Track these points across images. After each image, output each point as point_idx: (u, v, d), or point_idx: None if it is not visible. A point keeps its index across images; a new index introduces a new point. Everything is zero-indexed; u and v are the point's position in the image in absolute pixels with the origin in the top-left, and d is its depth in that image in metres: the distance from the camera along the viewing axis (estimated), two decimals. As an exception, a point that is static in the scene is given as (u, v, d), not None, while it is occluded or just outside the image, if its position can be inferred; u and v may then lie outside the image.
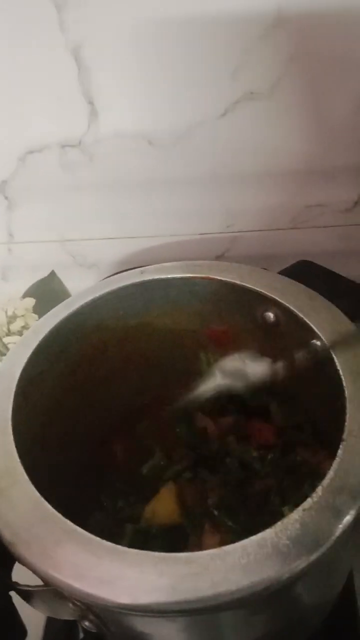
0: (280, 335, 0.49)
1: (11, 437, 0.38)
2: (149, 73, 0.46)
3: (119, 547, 0.32)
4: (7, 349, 0.70)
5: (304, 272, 0.51)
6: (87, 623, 0.37)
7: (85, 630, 0.55)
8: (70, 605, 0.34)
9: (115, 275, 0.50)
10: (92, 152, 0.50)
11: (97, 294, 0.48)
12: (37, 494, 0.35)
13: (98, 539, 0.33)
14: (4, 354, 0.71)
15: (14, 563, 0.40)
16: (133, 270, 0.50)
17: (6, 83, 0.47)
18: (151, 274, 0.49)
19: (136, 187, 0.53)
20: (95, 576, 0.32)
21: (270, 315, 0.49)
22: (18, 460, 0.37)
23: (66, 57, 0.45)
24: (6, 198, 0.54)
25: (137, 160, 0.51)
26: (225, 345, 0.51)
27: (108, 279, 0.50)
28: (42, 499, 0.35)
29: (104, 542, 0.33)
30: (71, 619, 0.38)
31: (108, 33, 0.44)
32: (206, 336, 0.53)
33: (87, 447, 0.52)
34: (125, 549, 0.32)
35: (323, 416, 0.49)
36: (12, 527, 0.34)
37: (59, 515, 0.34)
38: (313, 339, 0.45)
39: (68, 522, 0.34)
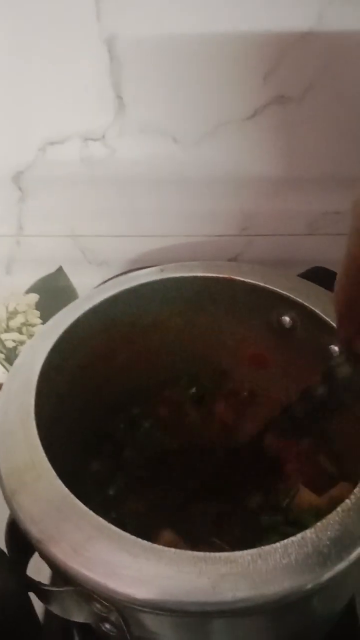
0: (297, 340, 0.49)
1: (35, 431, 0.37)
2: (179, 71, 0.46)
3: (155, 545, 0.31)
4: (5, 346, 0.68)
5: (319, 278, 0.51)
6: (107, 625, 0.36)
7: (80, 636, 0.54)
8: (97, 606, 0.33)
9: (134, 272, 0.49)
10: (115, 146, 0.49)
11: (117, 290, 0.47)
12: (65, 488, 0.34)
13: (132, 536, 0.32)
14: (1, 352, 0.69)
15: (29, 561, 0.39)
16: (152, 268, 0.49)
17: (34, 71, 0.46)
18: (171, 272, 0.49)
19: (154, 185, 0.52)
20: (130, 575, 0.31)
21: (287, 319, 0.49)
22: (43, 453, 0.36)
23: (99, 48, 0.44)
24: (19, 189, 0.53)
25: (158, 158, 0.50)
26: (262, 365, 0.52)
27: (127, 275, 0.49)
28: (70, 494, 0.34)
29: (139, 540, 0.32)
30: (87, 621, 0.37)
31: (143, 27, 0.43)
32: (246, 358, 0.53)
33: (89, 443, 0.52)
34: (162, 547, 0.31)
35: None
36: (39, 523, 0.33)
37: (89, 511, 0.33)
38: (333, 343, 0.46)
39: (99, 518, 0.33)
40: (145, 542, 0.31)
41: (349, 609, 0.47)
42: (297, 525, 0.44)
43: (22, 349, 0.45)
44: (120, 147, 0.49)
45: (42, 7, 0.43)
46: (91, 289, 0.53)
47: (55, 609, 0.37)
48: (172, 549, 0.31)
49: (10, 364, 0.71)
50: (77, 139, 0.49)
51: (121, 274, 0.59)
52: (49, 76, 0.46)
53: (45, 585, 0.35)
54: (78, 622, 0.50)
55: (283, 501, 0.47)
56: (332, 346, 0.47)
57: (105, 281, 0.57)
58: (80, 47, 0.44)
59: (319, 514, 0.43)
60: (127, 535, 0.32)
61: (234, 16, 0.43)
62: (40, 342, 0.43)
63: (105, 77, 0.45)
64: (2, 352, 0.69)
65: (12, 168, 0.51)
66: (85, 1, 0.42)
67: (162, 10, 0.43)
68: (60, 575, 0.33)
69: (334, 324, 0.43)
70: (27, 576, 0.35)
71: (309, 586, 0.30)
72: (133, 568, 0.31)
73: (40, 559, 0.38)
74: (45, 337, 0.44)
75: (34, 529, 0.33)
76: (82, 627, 0.51)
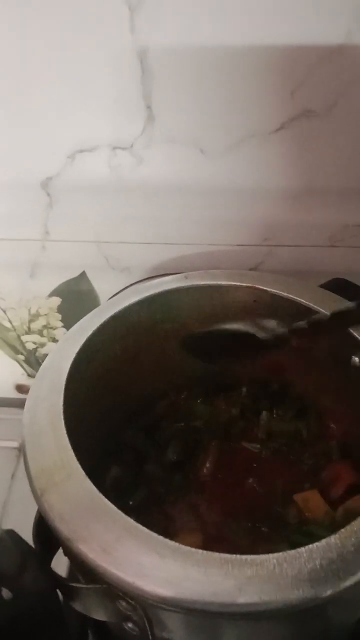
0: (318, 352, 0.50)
1: (64, 431, 0.38)
2: (208, 83, 0.47)
3: (183, 546, 0.32)
4: (25, 348, 0.70)
5: (339, 290, 0.52)
6: (130, 624, 0.37)
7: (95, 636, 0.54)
8: (123, 604, 0.34)
9: (158, 279, 0.50)
10: (142, 155, 0.50)
11: (142, 296, 0.48)
12: (94, 488, 0.35)
13: (160, 537, 0.33)
14: (21, 353, 0.71)
15: (53, 558, 0.39)
16: (176, 275, 0.50)
17: (67, 81, 0.47)
18: (195, 279, 0.50)
19: (179, 194, 0.53)
20: (158, 575, 0.31)
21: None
22: (72, 453, 0.37)
23: (132, 59, 0.45)
24: (48, 195, 0.54)
25: (185, 168, 0.51)
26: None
27: (151, 281, 0.50)
28: (100, 494, 0.35)
29: (168, 540, 0.33)
30: (110, 620, 0.38)
31: (174, 39, 0.44)
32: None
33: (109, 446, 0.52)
34: (190, 548, 0.32)
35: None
36: (69, 522, 0.34)
37: (119, 511, 0.34)
38: (355, 354, 0.47)
39: (128, 518, 0.34)
40: (173, 543, 0.32)
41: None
42: (309, 535, 0.45)
43: (48, 352, 0.46)
44: (148, 157, 0.50)
45: (76, 19, 0.44)
46: (113, 295, 0.54)
47: (78, 606, 0.38)
48: (200, 550, 0.32)
49: (30, 365, 0.73)
50: (106, 148, 0.50)
51: (142, 280, 0.60)
52: (82, 86, 0.47)
53: (72, 582, 0.36)
54: (93, 622, 0.51)
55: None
56: (354, 357, 0.48)
57: (127, 287, 0.58)
58: (113, 59, 0.45)
59: (333, 525, 0.44)
60: (156, 536, 0.33)
61: (263, 31, 0.44)
62: (68, 346, 0.44)
63: (136, 88, 0.46)
64: (22, 354, 0.71)
65: (41, 174, 0.52)
66: (119, 15, 0.43)
67: (193, 23, 0.44)
68: (87, 573, 0.34)
69: (356, 335, 0.44)
70: (54, 572, 0.36)
71: (333, 591, 0.31)
72: (161, 568, 0.32)
73: (56, 556, 0.39)
74: (72, 340, 0.45)
75: (64, 527, 0.34)
76: (97, 627, 0.52)
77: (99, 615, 0.38)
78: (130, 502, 0.49)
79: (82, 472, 0.36)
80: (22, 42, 0.45)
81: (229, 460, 0.53)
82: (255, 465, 0.53)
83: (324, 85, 0.46)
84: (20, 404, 0.42)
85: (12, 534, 0.34)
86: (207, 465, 0.52)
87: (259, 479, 0.51)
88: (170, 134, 0.49)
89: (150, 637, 0.37)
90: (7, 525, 0.37)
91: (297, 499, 0.49)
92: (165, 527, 0.48)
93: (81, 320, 0.47)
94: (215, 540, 0.47)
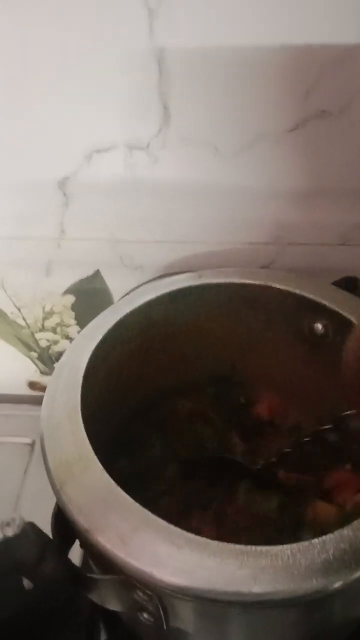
0: (328, 348, 0.51)
1: (82, 425, 0.39)
2: (224, 83, 0.47)
3: (198, 537, 0.33)
4: (38, 345, 0.71)
5: (350, 288, 0.53)
6: (145, 615, 0.37)
7: (108, 631, 0.55)
8: (139, 594, 0.35)
9: (173, 277, 0.51)
10: (158, 155, 0.51)
11: (157, 293, 0.49)
12: (111, 480, 0.36)
13: (177, 528, 0.34)
14: (35, 350, 0.72)
15: (69, 550, 0.40)
16: (190, 273, 0.51)
17: (84, 81, 0.48)
18: (209, 277, 0.50)
19: (193, 193, 0.54)
20: (175, 565, 0.32)
21: (319, 326, 0.51)
22: (90, 447, 0.38)
23: (150, 61, 0.46)
24: (64, 194, 0.55)
25: (199, 167, 0.52)
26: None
27: (165, 279, 0.51)
28: (117, 486, 0.36)
29: (184, 531, 0.33)
30: (125, 610, 0.39)
31: (192, 41, 0.45)
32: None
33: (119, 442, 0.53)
34: (206, 539, 0.33)
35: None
36: (87, 513, 0.35)
37: (135, 503, 0.35)
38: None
39: (145, 510, 0.35)
40: (189, 534, 0.33)
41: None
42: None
43: (64, 349, 0.47)
44: (164, 156, 0.51)
45: (94, 21, 0.45)
46: (126, 293, 0.55)
47: (94, 597, 0.39)
48: (216, 542, 0.33)
49: (43, 362, 0.73)
50: (122, 148, 0.51)
51: (155, 278, 0.61)
52: (99, 87, 0.48)
53: (89, 573, 0.37)
54: (104, 614, 0.52)
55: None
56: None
57: (140, 285, 0.59)
58: (131, 60, 0.46)
59: (345, 519, 0.44)
60: (172, 527, 0.34)
61: (277, 31, 0.44)
62: (84, 342, 0.45)
63: (153, 90, 0.47)
64: (35, 351, 0.72)
65: (58, 173, 0.53)
66: (138, 17, 0.44)
67: (209, 25, 0.44)
68: (104, 564, 0.35)
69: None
70: (72, 563, 0.37)
71: (345, 581, 0.32)
72: (178, 558, 0.32)
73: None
74: (89, 337, 0.46)
75: (82, 519, 0.35)
76: (107, 617, 0.53)
77: (115, 605, 0.38)
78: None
79: (99, 465, 0.37)
80: (39, 44, 0.46)
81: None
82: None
83: (338, 85, 0.46)
84: (32, 401, 0.43)
85: (33, 526, 0.35)
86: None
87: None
88: (185, 134, 0.50)
89: (165, 627, 0.38)
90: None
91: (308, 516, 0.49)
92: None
93: (97, 318, 0.48)
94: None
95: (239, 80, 0.47)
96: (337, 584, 0.32)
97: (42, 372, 0.75)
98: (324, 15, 0.44)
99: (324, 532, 0.46)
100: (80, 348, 0.45)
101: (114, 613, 0.40)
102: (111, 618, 0.52)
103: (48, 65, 0.47)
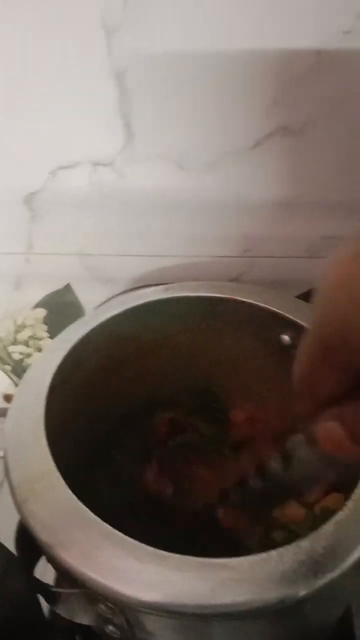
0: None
1: (45, 442, 0.39)
2: (185, 102, 0.48)
3: (161, 551, 0.33)
4: (12, 358, 0.71)
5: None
6: (111, 627, 0.38)
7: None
8: (103, 607, 0.35)
9: (140, 291, 0.51)
10: (123, 171, 0.52)
11: (124, 307, 0.49)
12: (74, 497, 0.36)
13: (138, 542, 0.34)
14: (8, 363, 0.71)
15: (36, 564, 0.40)
16: (158, 287, 0.51)
17: (47, 100, 0.48)
18: (176, 291, 0.51)
19: (160, 208, 0.55)
20: (137, 579, 0.32)
21: (286, 337, 0.51)
22: (53, 464, 0.38)
23: (109, 81, 0.47)
24: (31, 210, 0.55)
25: (165, 183, 0.53)
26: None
27: (133, 293, 0.51)
28: (80, 503, 0.36)
29: (145, 546, 0.34)
30: (92, 624, 0.39)
31: (152, 60, 0.46)
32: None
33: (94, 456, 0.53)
34: (168, 553, 0.33)
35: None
36: (49, 529, 0.35)
37: (98, 519, 0.35)
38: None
39: (107, 525, 0.35)
40: (151, 548, 0.33)
41: (345, 619, 0.49)
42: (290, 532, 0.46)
43: (32, 362, 0.47)
44: (129, 173, 0.52)
45: (54, 42, 0.45)
46: (97, 306, 0.56)
47: (61, 611, 0.39)
48: (177, 555, 0.33)
49: (17, 375, 0.73)
50: (87, 164, 0.52)
51: (125, 291, 0.62)
52: (61, 105, 0.49)
53: (53, 587, 0.37)
54: (81, 626, 0.52)
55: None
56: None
57: (110, 298, 0.59)
58: (92, 80, 0.47)
59: (314, 523, 0.45)
60: (134, 541, 0.34)
61: (238, 48, 0.45)
62: (50, 356, 0.45)
63: (114, 108, 0.48)
64: (9, 364, 0.71)
65: (24, 189, 0.54)
66: (96, 37, 0.45)
67: (169, 45, 0.45)
68: (68, 578, 0.35)
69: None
70: (35, 578, 0.37)
71: (303, 593, 0.32)
72: (139, 572, 0.33)
73: (44, 562, 0.40)
74: (54, 351, 0.46)
75: (44, 534, 0.35)
76: (85, 631, 0.53)
77: (82, 619, 0.39)
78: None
79: (63, 482, 0.37)
80: (2, 63, 0.47)
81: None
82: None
83: (299, 102, 0.47)
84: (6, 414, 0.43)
85: (-6, 542, 0.35)
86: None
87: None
88: (150, 151, 0.51)
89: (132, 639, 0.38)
90: (-5, 533, 0.38)
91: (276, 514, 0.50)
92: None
93: (64, 331, 0.48)
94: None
95: (201, 98, 0.48)
96: (297, 595, 0.32)
97: (16, 385, 0.75)
98: (283, 30, 0.45)
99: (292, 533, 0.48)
100: (46, 362, 0.45)
101: (90, 626, 0.41)
102: (89, 632, 0.52)
103: (8, 85, 0.48)
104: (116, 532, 0.34)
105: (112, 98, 0.48)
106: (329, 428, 0.25)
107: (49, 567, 0.40)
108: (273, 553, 0.33)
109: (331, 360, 0.23)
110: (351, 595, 0.47)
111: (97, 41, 0.45)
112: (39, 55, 0.46)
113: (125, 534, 0.34)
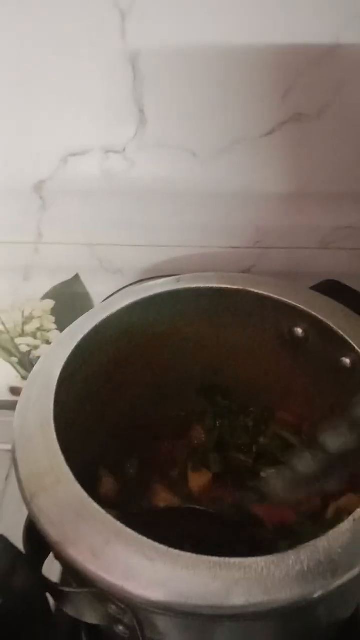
0: (307, 352, 0.50)
1: (54, 435, 0.38)
2: (200, 87, 0.47)
3: (171, 549, 0.32)
4: (19, 350, 0.70)
5: (331, 291, 0.52)
6: (120, 627, 0.37)
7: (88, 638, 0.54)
8: (112, 607, 0.34)
9: (151, 282, 0.50)
10: (134, 159, 0.51)
11: (134, 299, 0.48)
12: (84, 492, 0.35)
13: (149, 540, 0.33)
14: (15, 355, 0.71)
15: (44, 562, 0.40)
16: (169, 278, 0.50)
17: (59, 85, 0.47)
18: (187, 282, 0.50)
19: (171, 197, 0.54)
20: (147, 578, 0.32)
21: (299, 330, 0.50)
22: (62, 458, 0.37)
23: (123, 64, 0.45)
24: (41, 198, 0.54)
25: (177, 171, 0.51)
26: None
27: (143, 284, 0.50)
28: (89, 498, 0.35)
29: (156, 544, 0.33)
30: (100, 623, 0.38)
31: (166, 44, 0.44)
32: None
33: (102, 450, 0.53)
34: (179, 551, 0.32)
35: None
36: (58, 526, 0.34)
37: (107, 515, 0.34)
38: (344, 356, 0.47)
39: (117, 522, 0.34)
40: (162, 546, 0.32)
41: (354, 616, 0.48)
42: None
43: (40, 355, 0.46)
44: (140, 160, 0.51)
45: (67, 25, 0.44)
46: (106, 297, 0.55)
47: (69, 610, 0.38)
48: (188, 554, 0.32)
49: (24, 367, 0.73)
50: (98, 152, 0.50)
51: (135, 282, 0.60)
52: (73, 90, 0.47)
53: (61, 586, 0.36)
54: (86, 624, 0.52)
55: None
56: (344, 359, 0.48)
57: (119, 290, 0.58)
58: (105, 64, 0.45)
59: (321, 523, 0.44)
60: (145, 539, 0.33)
61: (254, 33, 0.44)
62: (59, 349, 0.44)
63: (128, 93, 0.47)
64: (16, 356, 0.71)
65: (34, 177, 0.52)
66: (110, 20, 0.43)
67: (183, 27, 0.44)
68: (77, 577, 0.34)
69: (347, 337, 0.44)
70: (43, 576, 0.36)
71: (320, 593, 0.31)
72: (150, 571, 0.32)
73: (50, 560, 0.39)
74: (63, 344, 0.45)
75: (53, 531, 0.34)
76: (90, 629, 0.52)
77: (90, 618, 0.38)
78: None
79: (72, 477, 0.36)
80: (14, 48, 0.45)
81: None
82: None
83: (315, 88, 0.46)
84: (14, 407, 0.42)
85: (2, 539, 0.34)
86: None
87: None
88: (162, 138, 0.49)
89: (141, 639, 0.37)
90: (1, 528, 0.37)
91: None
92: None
93: (73, 324, 0.47)
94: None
95: (215, 84, 0.47)
96: (313, 596, 0.31)
97: (23, 378, 0.74)
98: (299, 17, 0.43)
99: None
100: (54, 355, 0.44)
101: (96, 625, 0.40)
102: (94, 630, 0.51)
103: (20, 70, 0.46)
104: (126, 529, 0.33)
105: (126, 82, 0.46)
106: None
107: (56, 565, 0.39)
108: (290, 552, 0.32)
109: None
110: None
111: (112, 23, 0.44)
112: (49, 38, 0.45)
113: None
